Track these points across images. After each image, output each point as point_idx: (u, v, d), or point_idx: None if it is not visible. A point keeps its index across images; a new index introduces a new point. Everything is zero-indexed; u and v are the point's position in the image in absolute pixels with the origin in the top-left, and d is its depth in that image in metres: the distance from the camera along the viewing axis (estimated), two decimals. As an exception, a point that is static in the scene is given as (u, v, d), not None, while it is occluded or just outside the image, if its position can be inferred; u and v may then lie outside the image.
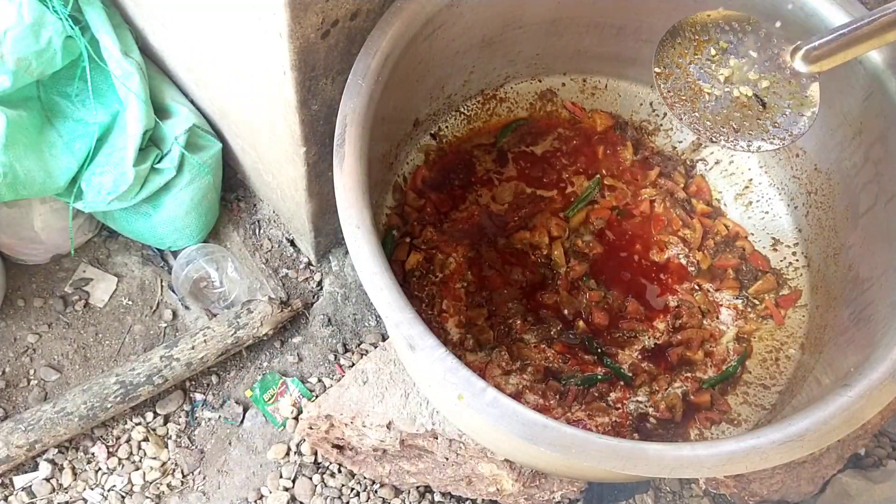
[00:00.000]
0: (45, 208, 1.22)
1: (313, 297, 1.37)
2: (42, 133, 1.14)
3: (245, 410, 1.30)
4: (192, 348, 1.24)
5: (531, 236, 1.21)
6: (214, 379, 1.31)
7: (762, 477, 1.21)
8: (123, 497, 1.22)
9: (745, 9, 0.99)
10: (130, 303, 1.34)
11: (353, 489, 1.26)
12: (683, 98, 0.93)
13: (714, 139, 0.92)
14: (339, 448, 1.21)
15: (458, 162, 1.27)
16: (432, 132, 1.28)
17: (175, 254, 1.35)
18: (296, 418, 1.29)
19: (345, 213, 0.85)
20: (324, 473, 1.27)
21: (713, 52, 0.95)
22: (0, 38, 1.02)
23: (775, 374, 1.15)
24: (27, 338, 1.29)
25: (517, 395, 1.11)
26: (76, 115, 1.18)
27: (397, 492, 1.26)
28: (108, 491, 1.21)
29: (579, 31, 1.22)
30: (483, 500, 1.23)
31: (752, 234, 1.25)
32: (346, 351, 1.35)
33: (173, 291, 1.34)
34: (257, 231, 1.39)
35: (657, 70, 0.94)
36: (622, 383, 1.14)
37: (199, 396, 1.30)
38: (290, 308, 1.31)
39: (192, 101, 1.24)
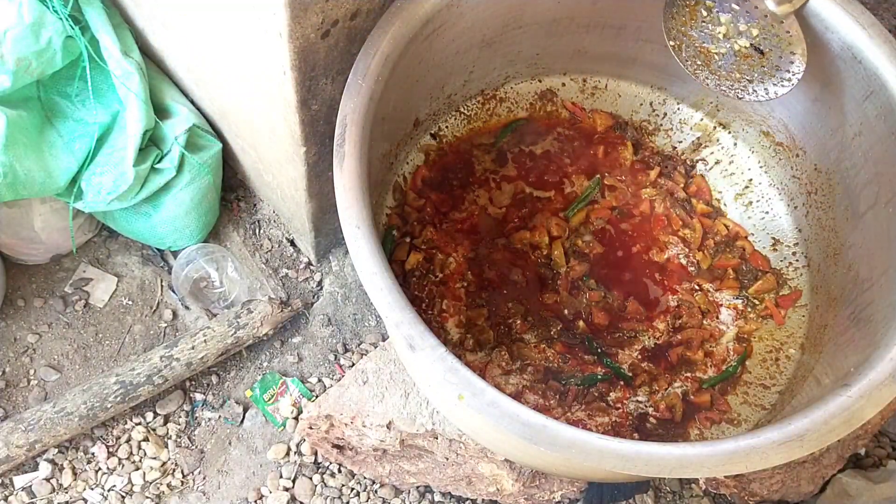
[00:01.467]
0: (45, 208, 1.22)
1: (313, 297, 1.37)
2: (42, 133, 1.14)
3: (245, 410, 1.30)
4: (192, 348, 1.24)
5: (531, 236, 1.21)
6: (214, 379, 1.31)
7: (762, 477, 1.21)
8: (123, 497, 1.22)
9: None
10: (130, 303, 1.34)
11: (353, 489, 1.26)
12: (700, 64, 1.00)
13: (739, 95, 0.98)
14: (339, 448, 1.21)
15: (458, 162, 1.27)
16: (432, 132, 1.28)
17: (175, 254, 1.35)
18: (296, 418, 1.29)
19: (345, 213, 0.85)
20: (324, 473, 1.27)
21: (704, 13, 1.01)
22: (0, 38, 1.02)
23: (775, 374, 1.15)
24: (27, 338, 1.29)
25: (517, 395, 1.11)
26: (76, 115, 1.18)
27: (397, 492, 1.26)
28: (108, 491, 1.21)
29: (579, 31, 1.22)
30: (483, 500, 1.23)
31: (752, 234, 1.25)
32: (346, 351, 1.35)
33: (173, 291, 1.34)
34: (257, 231, 1.39)
35: (671, 43, 1.00)
36: (622, 383, 1.14)
37: (199, 396, 1.30)
38: (290, 308, 1.31)
39: (192, 101, 1.24)
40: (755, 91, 0.98)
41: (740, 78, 0.99)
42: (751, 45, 1.00)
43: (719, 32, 1.01)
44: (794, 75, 0.99)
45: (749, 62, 1.00)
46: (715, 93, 1.01)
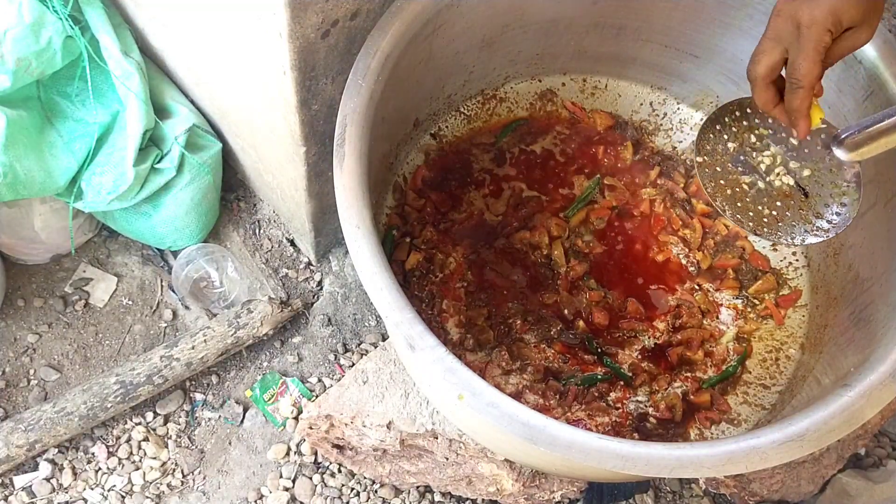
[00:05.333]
0: (45, 208, 1.22)
1: (313, 297, 1.37)
2: (42, 133, 1.14)
3: (245, 410, 1.30)
4: (192, 348, 1.24)
5: (531, 236, 1.21)
6: (214, 379, 1.31)
7: (762, 477, 1.21)
8: (123, 497, 1.22)
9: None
10: (130, 303, 1.34)
11: (353, 489, 1.26)
12: (725, 188, 0.92)
13: (758, 232, 0.90)
14: (339, 448, 1.21)
15: (458, 162, 1.27)
16: (432, 132, 1.28)
17: (175, 254, 1.35)
18: (296, 418, 1.29)
19: (345, 213, 0.85)
20: (324, 473, 1.27)
21: (753, 139, 0.93)
22: (0, 38, 1.02)
23: (775, 374, 1.15)
24: (27, 338, 1.29)
25: (517, 395, 1.11)
26: (76, 115, 1.18)
27: (397, 492, 1.26)
28: (108, 491, 1.21)
29: (579, 31, 1.22)
30: (483, 500, 1.23)
31: (752, 234, 1.25)
32: (346, 351, 1.35)
33: (173, 291, 1.34)
34: (257, 231, 1.39)
35: (699, 160, 0.93)
36: (622, 383, 1.14)
37: (199, 396, 1.30)
38: (290, 308, 1.31)
39: (192, 101, 1.24)
40: (779, 234, 0.90)
41: (768, 215, 0.91)
42: (796, 183, 0.91)
43: (762, 163, 0.93)
44: (833, 227, 0.89)
45: (786, 201, 0.91)
46: (731, 221, 0.91)
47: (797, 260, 1.22)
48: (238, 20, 0.88)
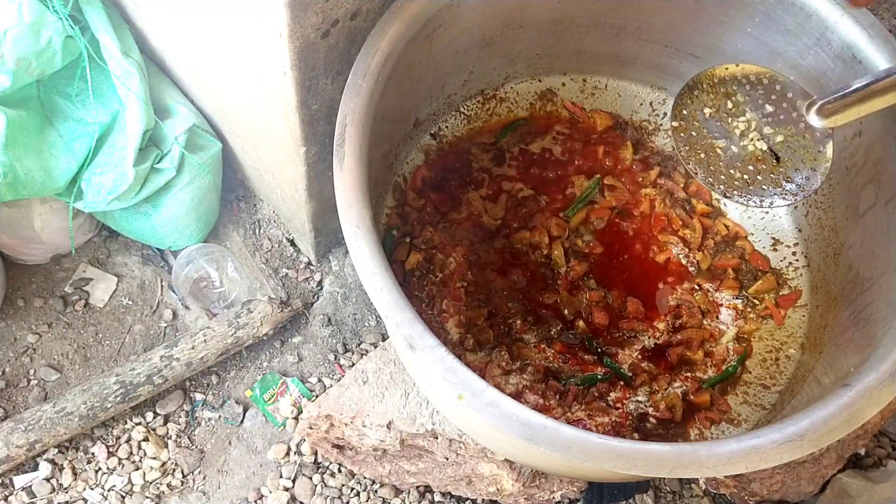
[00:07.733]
0: (45, 208, 1.22)
1: (313, 297, 1.37)
2: (42, 133, 1.14)
3: (245, 410, 1.30)
4: (192, 348, 1.24)
5: (531, 236, 1.21)
6: (214, 379, 1.31)
7: (762, 477, 1.21)
8: (123, 497, 1.22)
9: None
10: (130, 303, 1.34)
11: (353, 489, 1.26)
12: (699, 152, 0.95)
13: (728, 194, 0.93)
14: (339, 448, 1.21)
15: (457, 162, 1.27)
16: (432, 132, 1.28)
17: (175, 254, 1.35)
18: (296, 418, 1.29)
19: (345, 213, 0.85)
20: (324, 473, 1.27)
21: (730, 105, 0.96)
22: (0, 38, 1.02)
23: (775, 374, 1.15)
24: (27, 338, 1.29)
25: (517, 395, 1.11)
26: (76, 115, 1.18)
27: (397, 492, 1.26)
28: (108, 491, 1.22)
29: (579, 31, 1.22)
30: (483, 500, 1.23)
31: (752, 234, 1.25)
32: (346, 351, 1.35)
33: (173, 291, 1.35)
34: (257, 231, 1.39)
35: (675, 124, 0.96)
36: (622, 383, 1.14)
37: (199, 396, 1.30)
38: (290, 308, 1.31)
39: (192, 101, 1.24)
40: (749, 196, 0.93)
41: (739, 178, 0.94)
42: (769, 148, 0.94)
43: (737, 128, 0.95)
44: (802, 191, 0.93)
45: (758, 166, 0.94)
46: (702, 184, 0.94)
47: (797, 260, 1.22)
48: (238, 20, 0.88)
